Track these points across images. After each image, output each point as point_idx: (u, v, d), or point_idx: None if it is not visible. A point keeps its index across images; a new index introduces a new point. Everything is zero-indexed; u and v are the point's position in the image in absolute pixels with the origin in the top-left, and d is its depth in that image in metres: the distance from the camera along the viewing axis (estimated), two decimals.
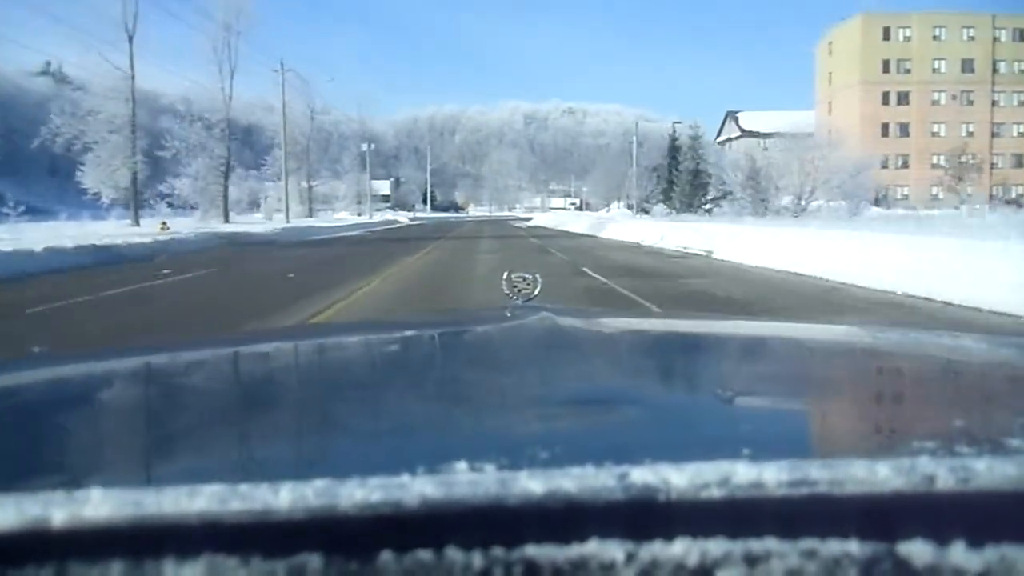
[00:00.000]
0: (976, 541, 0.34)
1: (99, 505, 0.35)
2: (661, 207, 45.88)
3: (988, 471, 0.37)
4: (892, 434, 0.62)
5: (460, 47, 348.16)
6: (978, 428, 0.60)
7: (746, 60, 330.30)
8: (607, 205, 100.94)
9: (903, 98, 63.91)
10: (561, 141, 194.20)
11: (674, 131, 52.49)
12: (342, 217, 61.68)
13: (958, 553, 0.34)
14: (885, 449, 0.53)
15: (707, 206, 45.69)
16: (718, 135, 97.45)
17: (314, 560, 0.33)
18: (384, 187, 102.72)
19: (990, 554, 0.34)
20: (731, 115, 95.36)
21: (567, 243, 23.85)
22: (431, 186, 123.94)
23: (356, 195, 74.26)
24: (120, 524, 0.34)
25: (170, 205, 44.84)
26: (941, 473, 0.37)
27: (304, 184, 57.37)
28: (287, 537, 0.34)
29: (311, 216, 55.00)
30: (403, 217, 71.95)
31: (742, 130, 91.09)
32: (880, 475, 0.37)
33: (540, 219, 64.37)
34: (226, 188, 41.82)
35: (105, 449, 0.62)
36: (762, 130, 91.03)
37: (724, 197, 46.67)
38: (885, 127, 63.20)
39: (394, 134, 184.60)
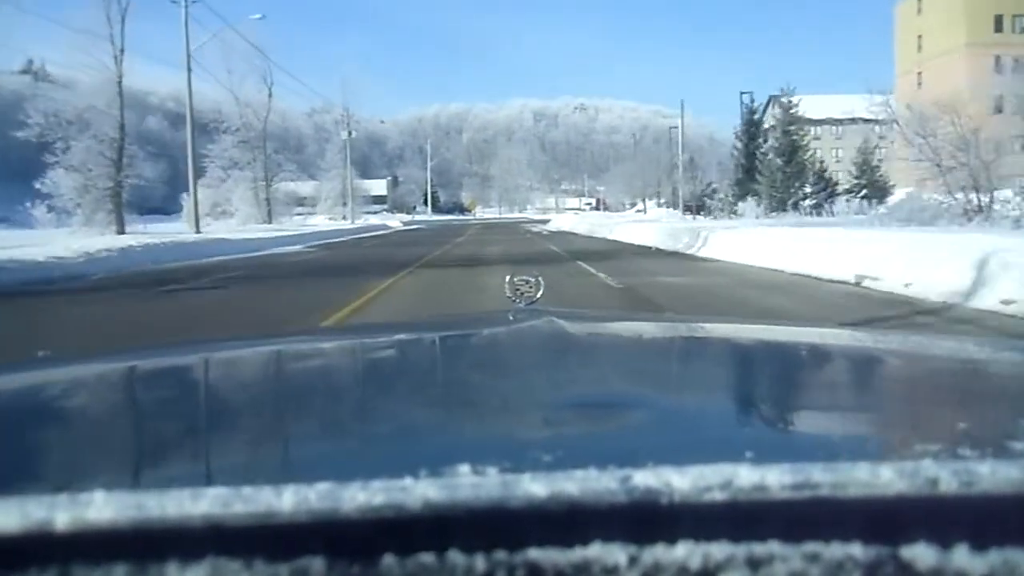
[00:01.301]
0: (980, 545, 0.34)
1: (102, 508, 0.34)
2: (750, 204, 31.53)
3: (991, 474, 0.37)
4: (895, 437, 0.61)
5: (465, 44, 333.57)
6: (981, 431, 0.60)
7: (768, 49, 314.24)
8: (633, 204, 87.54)
9: (1022, 64, 49.66)
10: (573, 139, 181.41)
11: (751, 101, 37.97)
12: (316, 223, 48.19)
13: (961, 557, 0.33)
14: (888, 452, 0.52)
15: (808, 201, 31.65)
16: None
17: (317, 563, 0.33)
18: (379, 187, 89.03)
19: (994, 558, 0.33)
20: (775, 100, 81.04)
21: (686, 285, 9.95)
22: (435, 186, 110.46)
23: (341, 195, 60.84)
24: (123, 527, 0.34)
25: (51, 209, 31.43)
26: (944, 476, 0.36)
27: (261, 181, 43.72)
28: (290, 540, 0.33)
29: (270, 222, 41.42)
30: (395, 221, 58.34)
31: (792, 117, 76.99)
32: (883, 478, 0.36)
33: (560, 221, 50.95)
34: (120, 184, 28.26)
35: (108, 452, 0.61)
36: (816, 116, 77.16)
37: (831, 190, 32.77)
38: (998, 102, 48.72)
39: (398, 134, 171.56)
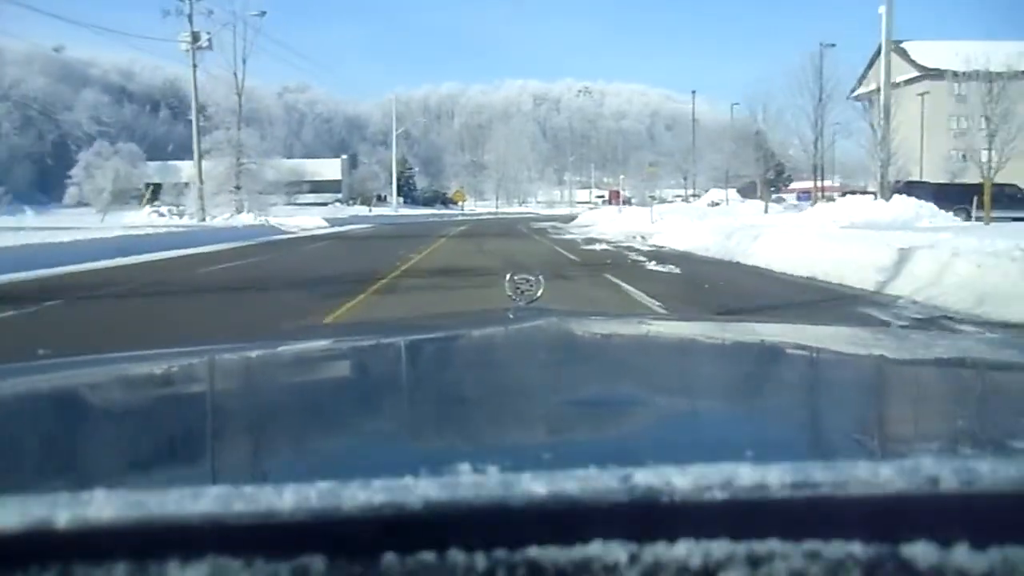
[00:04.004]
0: (979, 543, 0.33)
1: (103, 506, 0.33)
2: None
3: (991, 473, 0.36)
4: (895, 435, 0.59)
5: (457, 18, 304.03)
6: (981, 430, 0.59)
7: (783, 24, 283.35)
8: (655, 198, 63.38)
9: None
10: (578, 125, 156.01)
11: None
12: (130, 222, 22.76)
13: (961, 555, 0.32)
14: (888, 450, 0.51)
15: None
16: (858, 84, 58.24)
17: (317, 562, 0.32)
18: (330, 169, 62.99)
19: (993, 556, 0.32)
20: (895, 47, 55.65)
21: None
22: (412, 171, 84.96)
23: (235, 176, 35.14)
24: (124, 525, 0.33)
25: None
26: (944, 474, 0.36)
27: None
28: (290, 539, 0.32)
29: None
30: (316, 219, 32.69)
31: (922, 68, 51.69)
32: (883, 476, 0.35)
33: (610, 223, 25.79)
34: None
35: (109, 451, 0.60)
36: (956, 67, 52.06)
37: None
38: None
39: (381, 117, 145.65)
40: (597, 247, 16.80)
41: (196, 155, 26.27)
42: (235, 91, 36.13)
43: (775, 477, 0.35)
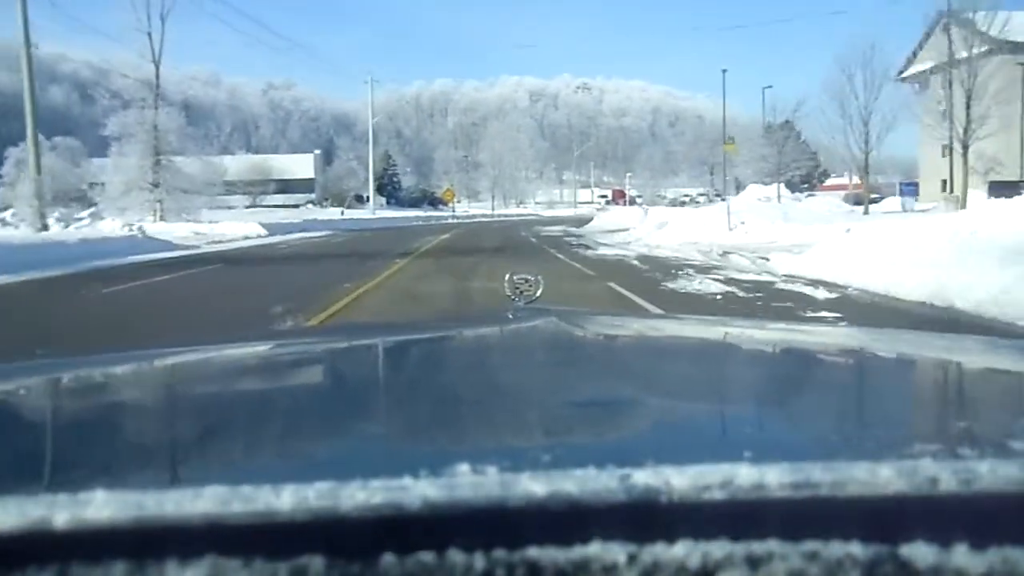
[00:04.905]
0: (979, 543, 0.32)
1: (101, 507, 0.33)
2: None
3: (991, 473, 0.36)
4: (894, 436, 0.59)
5: (450, 12, 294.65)
6: (980, 430, 0.58)
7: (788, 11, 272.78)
8: (665, 197, 55.42)
9: None
10: (576, 122, 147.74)
11: None
12: None
13: (961, 555, 0.32)
14: (887, 451, 0.50)
15: None
16: (908, 64, 49.94)
17: (316, 562, 0.31)
18: (302, 165, 54.26)
19: (993, 556, 0.32)
20: (956, 19, 47.10)
21: None
22: (405, 171, 76.66)
23: (151, 171, 26.91)
24: (122, 526, 0.32)
25: None
26: (943, 475, 0.35)
27: None
28: (289, 539, 0.32)
29: None
30: (251, 226, 24.04)
31: (995, 41, 43.33)
32: (882, 477, 0.35)
33: (654, 230, 17.16)
34: None
35: (108, 451, 0.59)
36: None
37: None
38: None
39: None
40: (702, 286, 8.36)
41: (30, 131, 17.33)
42: (150, 59, 27.53)
43: (774, 477, 0.35)
